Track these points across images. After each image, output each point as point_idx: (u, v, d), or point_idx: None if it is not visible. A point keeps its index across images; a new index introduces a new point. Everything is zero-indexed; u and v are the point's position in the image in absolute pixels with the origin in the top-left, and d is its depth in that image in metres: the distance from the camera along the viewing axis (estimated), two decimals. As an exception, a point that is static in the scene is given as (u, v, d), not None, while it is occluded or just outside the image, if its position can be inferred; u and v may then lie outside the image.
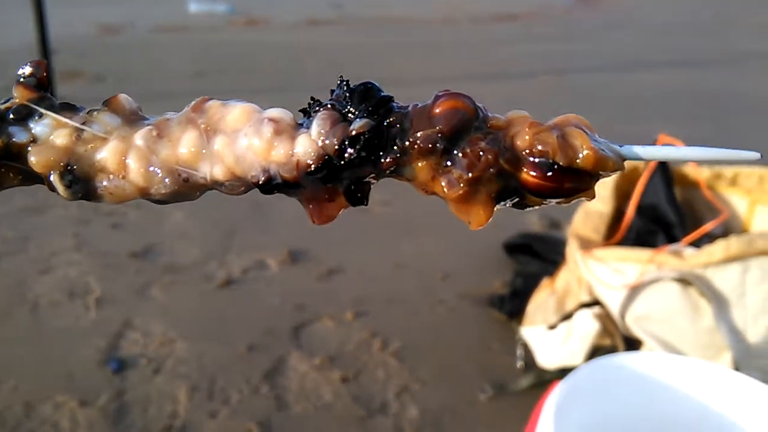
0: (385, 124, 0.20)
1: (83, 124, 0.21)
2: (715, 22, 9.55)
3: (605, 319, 1.45)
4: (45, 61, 0.21)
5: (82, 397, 1.61)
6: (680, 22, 9.55)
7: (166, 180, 0.20)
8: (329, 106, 0.21)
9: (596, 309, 1.47)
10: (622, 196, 1.65)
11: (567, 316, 1.50)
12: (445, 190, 0.20)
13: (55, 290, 2.11)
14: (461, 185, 0.20)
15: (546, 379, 1.65)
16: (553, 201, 0.22)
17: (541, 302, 1.73)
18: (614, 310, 1.41)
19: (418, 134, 0.20)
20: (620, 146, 0.22)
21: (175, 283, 2.17)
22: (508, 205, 0.22)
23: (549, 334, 1.57)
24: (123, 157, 0.20)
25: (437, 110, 0.20)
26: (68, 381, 1.67)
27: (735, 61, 6.50)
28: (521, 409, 1.61)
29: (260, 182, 0.21)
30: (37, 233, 2.52)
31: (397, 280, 2.24)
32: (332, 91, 0.22)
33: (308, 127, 0.21)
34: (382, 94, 0.21)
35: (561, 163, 0.20)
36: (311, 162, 0.20)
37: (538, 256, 2.20)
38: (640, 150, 0.22)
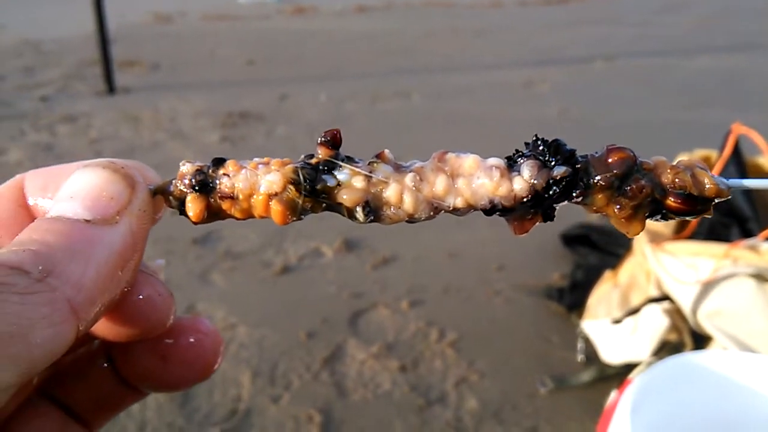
0: (577, 168, 0.29)
1: (370, 172, 0.30)
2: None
3: (674, 314, 1.41)
4: (338, 129, 0.31)
5: (150, 378, 1.66)
6: (738, 5, 9.14)
7: (425, 209, 0.30)
8: (532, 156, 0.30)
9: (665, 304, 1.43)
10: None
11: (634, 311, 1.46)
12: (616, 212, 0.29)
13: (120, 274, 2.18)
14: (627, 209, 0.29)
15: (608, 374, 1.62)
16: (687, 218, 0.30)
17: (604, 295, 1.69)
18: (685, 305, 1.37)
19: (600, 177, 0.29)
20: (727, 179, 0.30)
21: (235, 269, 2.22)
22: (653, 220, 0.30)
23: (613, 329, 1.54)
24: (400, 194, 0.30)
25: (610, 160, 0.29)
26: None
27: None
28: (583, 403, 1.59)
29: (487, 208, 0.30)
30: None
31: (452, 270, 2.23)
32: (527, 144, 0.30)
33: (519, 171, 0.30)
34: (568, 147, 0.30)
35: (694, 193, 0.29)
36: (524, 195, 0.29)
37: (597, 248, 2.15)
38: (743, 181, 0.31)
